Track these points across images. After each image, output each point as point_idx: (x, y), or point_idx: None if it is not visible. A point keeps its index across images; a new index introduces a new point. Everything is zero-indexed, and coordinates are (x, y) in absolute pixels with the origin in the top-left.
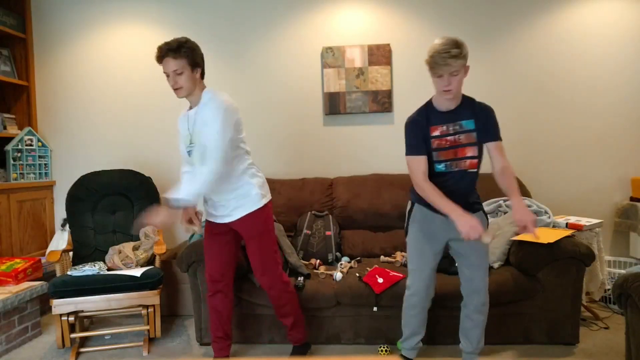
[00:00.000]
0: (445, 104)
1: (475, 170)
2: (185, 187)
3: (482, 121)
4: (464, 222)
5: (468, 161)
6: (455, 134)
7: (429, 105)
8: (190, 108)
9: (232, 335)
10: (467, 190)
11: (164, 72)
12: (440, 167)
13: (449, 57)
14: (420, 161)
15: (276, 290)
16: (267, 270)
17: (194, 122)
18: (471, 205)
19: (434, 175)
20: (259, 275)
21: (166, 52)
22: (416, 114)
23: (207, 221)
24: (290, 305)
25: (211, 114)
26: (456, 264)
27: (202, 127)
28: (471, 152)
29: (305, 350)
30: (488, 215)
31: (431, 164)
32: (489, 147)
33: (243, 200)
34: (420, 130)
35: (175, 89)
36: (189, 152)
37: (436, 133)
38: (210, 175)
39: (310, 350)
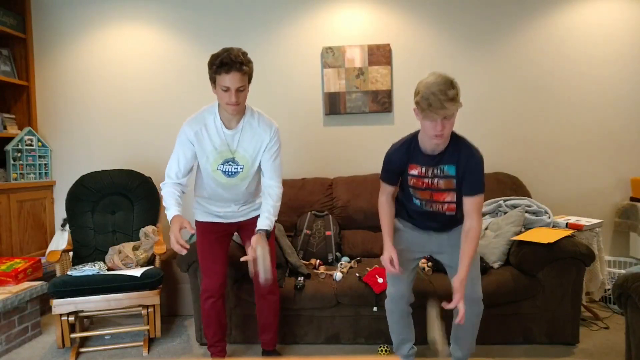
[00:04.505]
0: (431, 147)
1: (454, 213)
2: (266, 210)
3: (463, 169)
4: (384, 254)
5: (446, 205)
6: (433, 178)
7: (414, 141)
8: (223, 124)
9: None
10: (446, 226)
11: (223, 86)
12: (417, 202)
13: (446, 100)
14: (388, 188)
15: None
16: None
17: (238, 140)
18: (452, 228)
19: (413, 204)
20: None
21: (236, 65)
22: (399, 147)
23: (205, 224)
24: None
25: (270, 137)
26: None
27: (259, 147)
28: (450, 197)
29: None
30: (488, 215)
31: (410, 195)
32: (464, 200)
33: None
34: (398, 167)
35: (232, 105)
36: (227, 171)
37: (414, 172)
38: (281, 192)
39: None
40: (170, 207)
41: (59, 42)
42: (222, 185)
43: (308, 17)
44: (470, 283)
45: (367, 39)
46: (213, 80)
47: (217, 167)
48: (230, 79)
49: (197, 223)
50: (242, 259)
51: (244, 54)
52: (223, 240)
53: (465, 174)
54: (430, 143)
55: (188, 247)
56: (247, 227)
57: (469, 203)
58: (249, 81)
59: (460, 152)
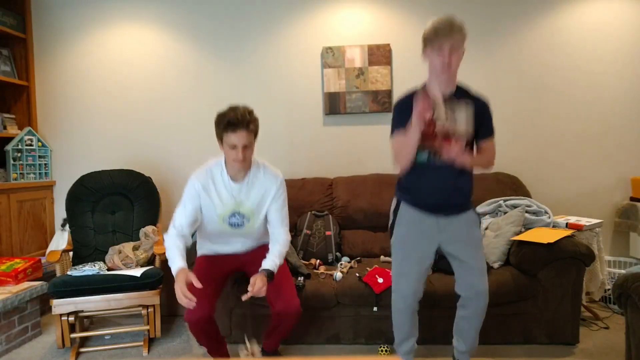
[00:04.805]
0: (440, 88)
1: (463, 170)
2: (272, 254)
3: (474, 111)
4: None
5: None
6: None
7: (421, 88)
8: (230, 177)
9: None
10: (453, 188)
11: (230, 144)
12: (423, 156)
13: (453, 29)
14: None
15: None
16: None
17: (245, 193)
18: (458, 206)
19: (415, 167)
20: (292, 295)
21: (243, 124)
22: (407, 94)
23: (207, 259)
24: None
25: (277, 188)
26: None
27: (265, 199)
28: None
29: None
30: (488, 215)
31: (417, 150)
32: (479, 143)
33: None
34: (409, 111)
35: (238, 162)
36: (234, 223)
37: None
38: (289, 238)
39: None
40: (175, 259)
41: (59, 42)
42: (228, 233)
43: (308, 17)
44: (478, 275)
45: (367, 39)
46: (220, 138)
47: (223, 220)
48: (237, 138)
49: (199, 258)
50: (243, 298)
51: (250, 112)
52: (220, 276)
53: (476, 116)
54: (440, 82)
55: (195, 300)
56: (252, 262)
57: (484, 144)
58: (255, 137)
59: (468, 94)
